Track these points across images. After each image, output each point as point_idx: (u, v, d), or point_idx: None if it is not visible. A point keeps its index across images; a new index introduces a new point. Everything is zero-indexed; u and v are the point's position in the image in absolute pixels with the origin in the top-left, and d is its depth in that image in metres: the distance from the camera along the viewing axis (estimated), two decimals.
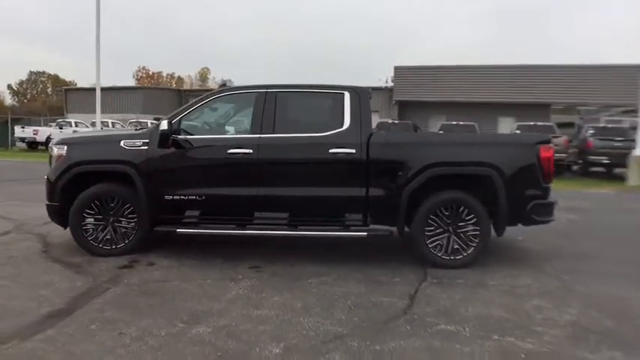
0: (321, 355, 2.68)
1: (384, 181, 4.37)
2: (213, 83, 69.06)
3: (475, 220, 4.28)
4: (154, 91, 40.25)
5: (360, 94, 4.54)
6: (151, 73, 68.50)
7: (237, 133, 4.66)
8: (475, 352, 2.74)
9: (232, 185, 4.52)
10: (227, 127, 4.80)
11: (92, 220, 4.61)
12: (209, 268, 4.30)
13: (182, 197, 4.54)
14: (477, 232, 4.30)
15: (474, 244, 4.31)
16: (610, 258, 4.82)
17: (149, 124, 23.52)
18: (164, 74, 69.34)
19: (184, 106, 4.73)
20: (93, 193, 4.58)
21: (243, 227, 4.67)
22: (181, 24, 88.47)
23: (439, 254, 4.35)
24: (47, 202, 4.74)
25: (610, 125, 15.56)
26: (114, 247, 4.63)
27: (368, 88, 4.60)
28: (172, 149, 4.52)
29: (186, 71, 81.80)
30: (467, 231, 4.31)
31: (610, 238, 5.87)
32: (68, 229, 4.69)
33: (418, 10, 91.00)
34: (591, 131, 14.03)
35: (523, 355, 2.71)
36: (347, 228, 4.50)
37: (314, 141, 4.46)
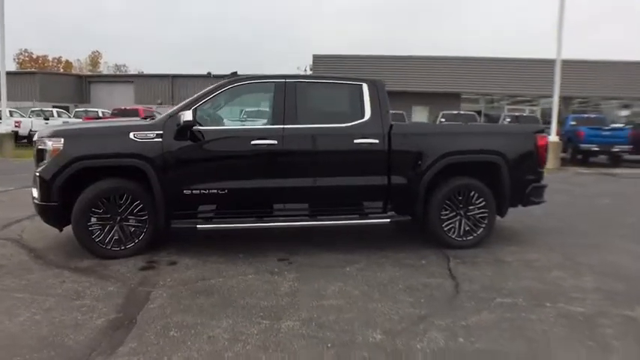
0: (421, 335, 2.85)
1: (404, 169, 4.60)
2: (105, 68, 63.87)
3: (484, 203, 4.71)
4: (52, 77, 36.25)
5: (378, 86, 4.70)
6: (34, 56, 61.13)
7: (256, 123, 4.53)
8: (543, 319, 3.11)
9: (256, 177, 4.42)
10: (245, 118, 4.64)
11: (97, 219, 4.21)
12: (238, 264, 4.19)
13: (202, 191, 4.33)
14: (485, 215, 4.73)
15: (483, 226, 4.74)
16: (576, 232, 5.59)
17: (55, 114, 21.24)
18: (50, 58, 62.29)
19: (197, 96, 4.47)
20: (101, 190, 4.17)
21: (262, 220, 4.60)
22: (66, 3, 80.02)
23: (453, 236, 4.71)
24: (40, 202, 4.22)
25: (525, 114, 17.54)
26: (122, 247, 4.29)
27: (381, 80, 4.75)
28: (191, 141, 4.28)
29: (75, 55, 74.48)
30: (476, 214, 4.73)
31: (562, 215, 6.75)
32: (54, 230, 4.25)
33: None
34: (508, 120, 15.74)
35: (581, 318, 3.13)
36: (367, 216, 4.67)
37: (339, 131, 4.52)
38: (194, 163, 4.36)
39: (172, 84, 34.41)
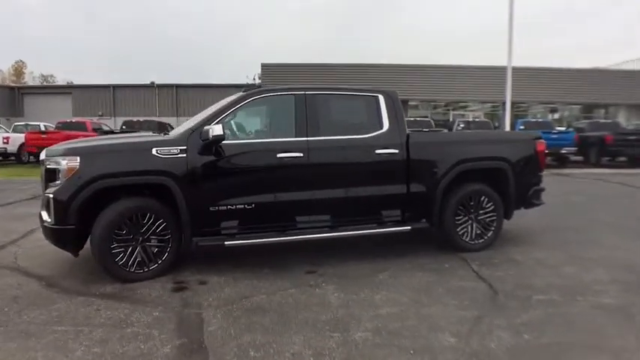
0: (489, 335, 3.00)
1: (422, 177, 4.78)
2: (31, 79, 59.53)
3: (493, 207, 5.00)
4: None
5: (393, 97, 4.86)
6: None
7: (278, 136, 4.49)
8: (583, 312, 3.38)
9: (282, 190, 4.40)
10: (267, 131, 4.59)
11: (120, 241, 3.99)
12: (270, 279, 4.14)
13: (229, 207, 4.25)
14: (494, 218, 5.03)
15: (492, 229, 5.03)
16: (569, 229, 6.06)
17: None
18: None
19: (219, 109, 4.38)
20: (125, 210, 3.96)
21: (284, 233, 4.56)
22: None
23: (466, 240, 4.95)
24: (54, 226, 3.92)
25: (477, 120, 18.60)
26: (145, 269, 4.09)
27: (394, 90, 4.92)
28: (216, 155, 4.18)
29: None
30: (486, 217, 5.01)
31: (547, 214, 7.24)
32: (48, 254, 3.96)
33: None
34: (462, 125, 16.67)
35: (615, 309, 3.44)
36: (386, 224, 4.79)
37: (361, 143, 4.62)
38: (221, 178, 4.25)
39: (114, 94, 32.76)
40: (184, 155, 4.11)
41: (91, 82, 33.97)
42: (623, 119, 26.09)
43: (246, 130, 4.67)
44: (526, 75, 23.89)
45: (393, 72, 27.70)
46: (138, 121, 20.09)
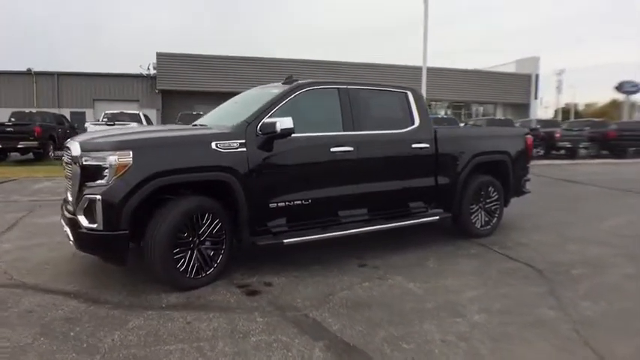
0: (576, 306, 3.39)
1: (447, 170, 5.10)
2: None
3: (497, 196, 5.55)
4: None
5: (419, 93, 5.10)
6: None
7: (327, 130, 4.39)
8: (621, 281, 4.00)
9: (333, 185, 4.34)
10: (316, 124, 4.42)
11: (182, 245, 3.58)
12: (334, 274, 4.08)
13: (287, 203, 4.07)
14: (497, 206, 5.58)
15: (496, 216, 5.58)
16: (547, 214, 6.93)
17: None
18: None
19: (268, 103, 4.13)
20: (188, 210, 3.56)
21: (328, 228, 4.49)
22: None
23: (478, 227, 5.42)
24: (102, 233, 3.36)
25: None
26: (203, 275, 3.74)
27: (417, 88, 5.15)
28: (274, 150, 3.97)
29: None
30: (492, 206, 5.54)
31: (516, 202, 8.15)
32: (35, 266, 3.46)
33: None
34: None
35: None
36: (415, 216, 5.00)
37: (400, 137, 4.77)
38: (280, 173, 4.05)
39: None
40: (244, 149, 3.83)
41: None
42: (501, 116, 30.14)
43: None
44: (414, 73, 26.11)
45: (296, 67, 28.39)
46: (30, 112, 17.35)
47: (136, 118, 17.20)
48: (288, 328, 3.00)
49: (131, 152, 3.41)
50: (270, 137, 3.89)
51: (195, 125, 4.59)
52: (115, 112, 17.85)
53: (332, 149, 4.28)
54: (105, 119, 16.63)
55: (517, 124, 20.39)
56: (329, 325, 3.05)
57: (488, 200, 5.50)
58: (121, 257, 3.49)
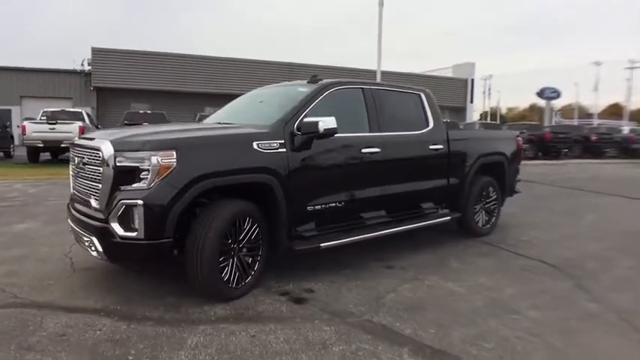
0: (607, 296, 3.61)
1: (457, 170, 5.23)
2: None
3: (496, 196, 5.78)
4: None
5: (431, 95, 5.17)
6: None
7: (354, 130, 4.28)
8: (636, 274, 4.32)
9: (362, 187, 4.28)
10: (345, 125, 4.29)
11: (226, 253, 3.34)
12: (369, 276, 4.03)
13: (323, 206, 3.95)
14: (496, 206, 5.82)
15: (495, 215, 5.81)
16: (528, 213, 7.29)
17: None
18: None
19: (302, 102, 3.97)
20: (232, 215, 3.32)
21: (351, 231, 4.41)
22: None
23: (480, 226, 5.61)
24: (143, 242, 3.04)
25: None
26: (242, 284, 3.52)
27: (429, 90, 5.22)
28: (312, 150, 3.83)
29: None
30: (491, 205, 5.76)
31: None
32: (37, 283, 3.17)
33: None
34: None
35: None
36: (428, 216, 5.07)
37: (419, 138, 4.80)
38: (319, 175, 3.92)
39: None
40: (284, 150, 3.65)
41: None
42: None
43: None
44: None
45: (230, 66, 28.44)
46: None
47: (78, 116, 15.92)
48: (361, 335, 2.90)
49: (174, 152, 3.12)
50: (310, 137, 3.75)
51: (220, 123, 4.30)
52: (55, 109, 16.38)
53: (363, 150, 4.21)
54: (44, 117, 15.21)
55: (461, 127, 21.49)
56: (400, 330, 2.99)
57: (488, 200, 5.71)
58: (155, 265, 3.19)
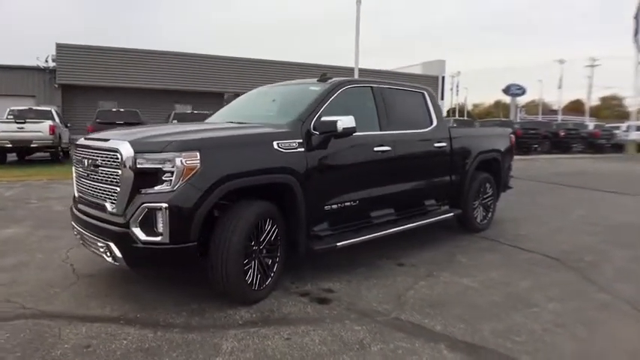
0: (614, 287, 3.76)
1: (458, 168, 5.31)
2: None
3: (492, 192, 5.92)
4: None
5: (432, 93, 5.23)
6: None
7: (365, 129, 4.25)
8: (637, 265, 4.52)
9: (374, 185, 4.29)
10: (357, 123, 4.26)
11: (250, 254, 3.29)
12: (385, 275, 4.04)
13: (339, 205, 3.94)
14: (492, 201, 5.96)
15: (491, 210, 5.95)
16: (516, 207, 7.48)
17: None
18: None
19: (316, 101, 3.93)
20: (255, 216, 3.26)
21: (360, 231, 4.40)
22: None
23: (478, 221, 5.74)
24: (168, 246, 2.94)
25: None
26: (263, 286, 3.47)
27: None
28: (329, 149, 3.80)
29: None
30: (487, 201, 5.89)
31: None
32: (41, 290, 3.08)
33: None
34: None
35: None
36: (432, 213, 5.13)
37: (425, 136, 4.85)
38: (336, 174, 3.90)
39: None
40: (302, 150, 3.61)
41: None
42: None
43: None
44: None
45: (201, 63, 28.15)
46: None
47: (48, 115, 15.22)
48: (394, 333, 2.91)
49: (198, 153, 3.02)
50: (328, 136, 3.72)
51: (231, 123, 4.19)
52: (22, 108, 15.63)
53: (375, 149, 4.22)
54: (11, 116, 14.48)
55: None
56: (430, 326, 3.02)
57: (485, 196, 5.84)
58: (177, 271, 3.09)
